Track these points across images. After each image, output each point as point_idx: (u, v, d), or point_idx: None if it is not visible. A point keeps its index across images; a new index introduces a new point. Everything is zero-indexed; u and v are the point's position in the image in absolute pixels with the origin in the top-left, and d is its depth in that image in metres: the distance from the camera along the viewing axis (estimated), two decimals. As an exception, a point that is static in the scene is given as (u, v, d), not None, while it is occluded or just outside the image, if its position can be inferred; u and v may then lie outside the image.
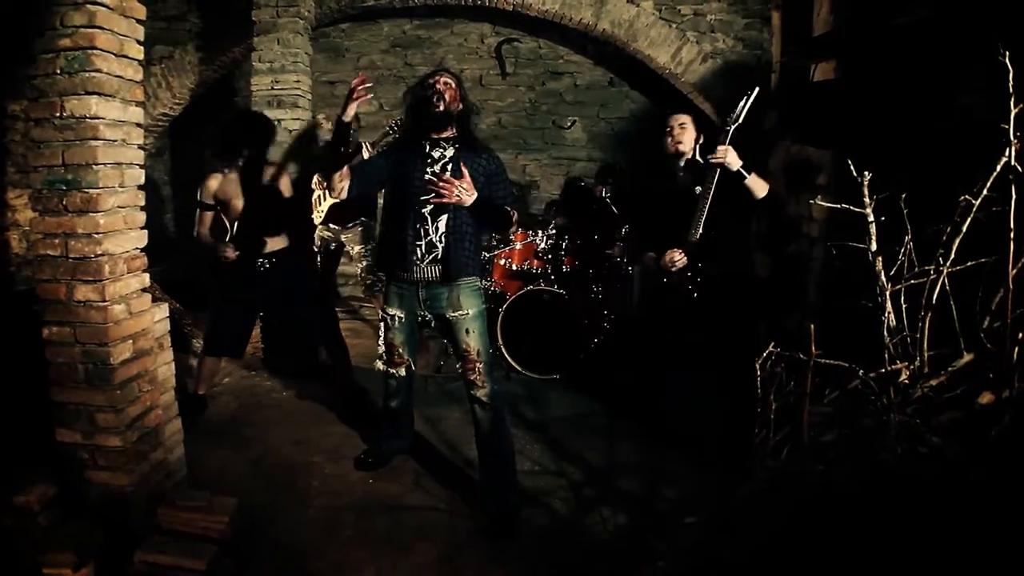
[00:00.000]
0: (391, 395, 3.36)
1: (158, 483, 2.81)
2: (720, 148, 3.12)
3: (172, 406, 3.01)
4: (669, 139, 3.44)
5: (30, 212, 5.30)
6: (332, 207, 5.31)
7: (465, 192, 2.83)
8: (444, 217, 2.94)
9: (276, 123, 4.26)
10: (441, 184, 2.82)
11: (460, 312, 2.98)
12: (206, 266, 3.98)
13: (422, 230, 2.94)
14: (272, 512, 2.99)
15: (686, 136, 3.41)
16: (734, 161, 3.14)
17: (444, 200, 2.85)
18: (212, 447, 3.56)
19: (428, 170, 2.93)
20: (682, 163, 3.45)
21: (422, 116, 2.96)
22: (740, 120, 3.15)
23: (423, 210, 2.93)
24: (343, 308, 6.52)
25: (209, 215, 3.91)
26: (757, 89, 3.15)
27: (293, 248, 4.03)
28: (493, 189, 3.01)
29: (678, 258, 3.34)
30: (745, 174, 3.15)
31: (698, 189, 3.28)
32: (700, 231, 3.26)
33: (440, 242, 2.94)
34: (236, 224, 3.88)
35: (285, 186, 3.99)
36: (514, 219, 3.09)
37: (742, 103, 3.14)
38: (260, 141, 3.95)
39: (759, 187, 3.18)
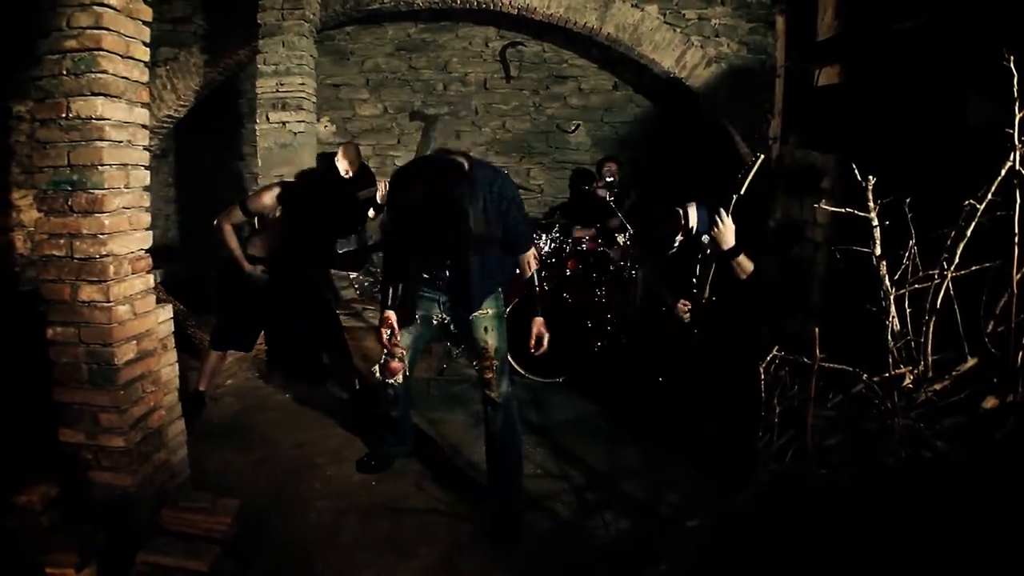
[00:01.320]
0: (390, 405, 3.33)
1: (161, 484, 2.81)
2: (719, 226, 3.24)
3: (175, 407, 3.01)
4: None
5: (35, 212, 5.30)
6: None
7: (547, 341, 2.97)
8: (459, 257, 2.83)
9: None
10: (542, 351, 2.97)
11: (480, 312, 2.95)
12: (216, 264, 3.96)
13: (437, 270, 2.93)
14: (275, 513, 2.99)
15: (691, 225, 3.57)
16: (726, 241, 3.25)
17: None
18: (215, 448, 3.56)
19: (440, 213, 2.75)
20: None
21: None
22: (743, 190, 3.23)
23: (438, 254, 2.87)
24: (345, 311, 6.52)
25: (242, 219, 3.85)
26: (762, 157, 3.25)
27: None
28: (507, 218, 2.80)
29: (687, 316, 3.51)
30: (734, 255, 3.26)
31: (705, 238, 3.47)
32: (707, 292, 3.40)
33: (457, 280, 2.88)
34: (272, 244, 3.89)
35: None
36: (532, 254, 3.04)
37: (743, 174, 3.23)
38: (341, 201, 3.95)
39: (744, 268, 3.29)
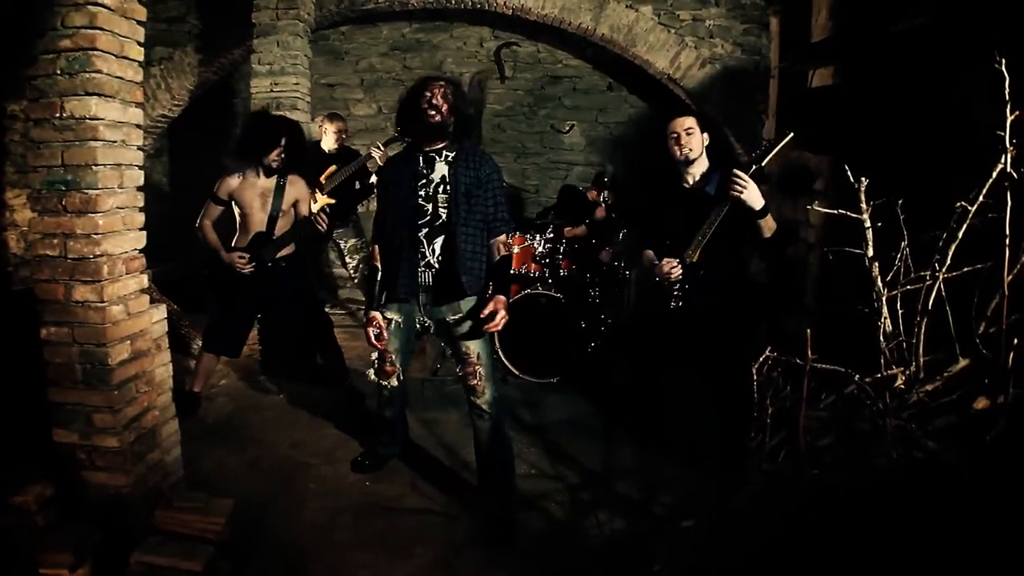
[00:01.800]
0: (384, 405, 3.33)
1: (155, 484, 2.81)
2: (742, 180, 3.00)
3: (169, 407, 3.01)
4: (677, 148, 3.27)
5: (28, 212, 5.30)
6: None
7: (503, 320, 2.78)
8: (441, 239, 2.88)
9: (303, 126, 4.15)
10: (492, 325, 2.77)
11: (460, 315, 2.95)
12: (204, 264, 3.97)
13: (418, 253, 2.90)
14: (269, 513, 2.99)
15: (694, 141, 3.25)
16: (756, 200, 3.02)
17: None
18: (209, 448, 3.56)
19: (421, 192, 2.88)
20: (692, 172, 3.32)
21: (415, 127, 2.90)
22: (766, 160, 3.07)
23: (419, 233, 2.88)
24: (341, 311, 6.52)
25: (218, 210, 3.90)
26: (791, 135, 3.07)
27: (298, 252, 4.03)
28: (486, 199, 2.92)
29: (675, 273, 3.24)
30: (763, 214, 3.05)
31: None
32: (697, 255, 3.21)
33: (437, 264, 2.89)
34: (249, 227, 3.88)
35: (304, 195, 4.01)
36: (507, 239, 3.00)
37: (769, 144, 3.08)
38: (289, 147, 3.85)
39: (769, 227, 3.10)
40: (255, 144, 3.79)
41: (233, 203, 3.88)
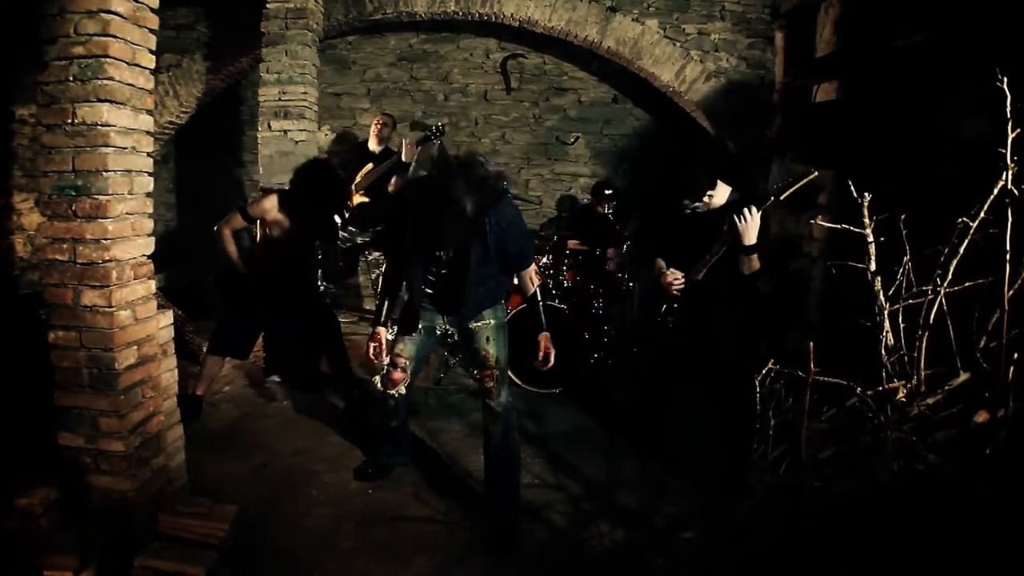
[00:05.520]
0: (390, 415, 3.35)
1: (159, 489, 2.82)
2: (747, 221, 3.13)
3: (174, 412, 3.02)
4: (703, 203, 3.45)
5: (35, 216, 5.33)
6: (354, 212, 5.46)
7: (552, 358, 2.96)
8: (465, 270, 2.88)
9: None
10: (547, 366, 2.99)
11: (482, 321, 3.00)
12: (213, 271, 4.02)
13: (443, 278, 2.95)
14: (272, 520, 2.99)
15: (715, 201, 3.41)
16: (750, 236, 3.15)
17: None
18: (213, 454, 3.56)
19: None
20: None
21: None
22: (784, 195, 3.16)
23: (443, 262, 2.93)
24: (349, 318, 6.52)
25: (242, 224, 3.93)
26: (816, 174, 3.12)
27: (308, 266, 4.09)
28: (507, 239, 2.83)
29: (677, 283, 3.39)
30: (750, 251, 3.17)
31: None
32: (703, 273, 3.31)
33: (460, 291, 2.91)
34: (270, 249, 3.95)
35: (332, 226, 4.19)
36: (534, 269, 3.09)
37: (790, 181, 3.14)
38: (334, 200, 4.00)
39: (752, 266, 3.21)
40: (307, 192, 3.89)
41: (260, 228, 3.98)
